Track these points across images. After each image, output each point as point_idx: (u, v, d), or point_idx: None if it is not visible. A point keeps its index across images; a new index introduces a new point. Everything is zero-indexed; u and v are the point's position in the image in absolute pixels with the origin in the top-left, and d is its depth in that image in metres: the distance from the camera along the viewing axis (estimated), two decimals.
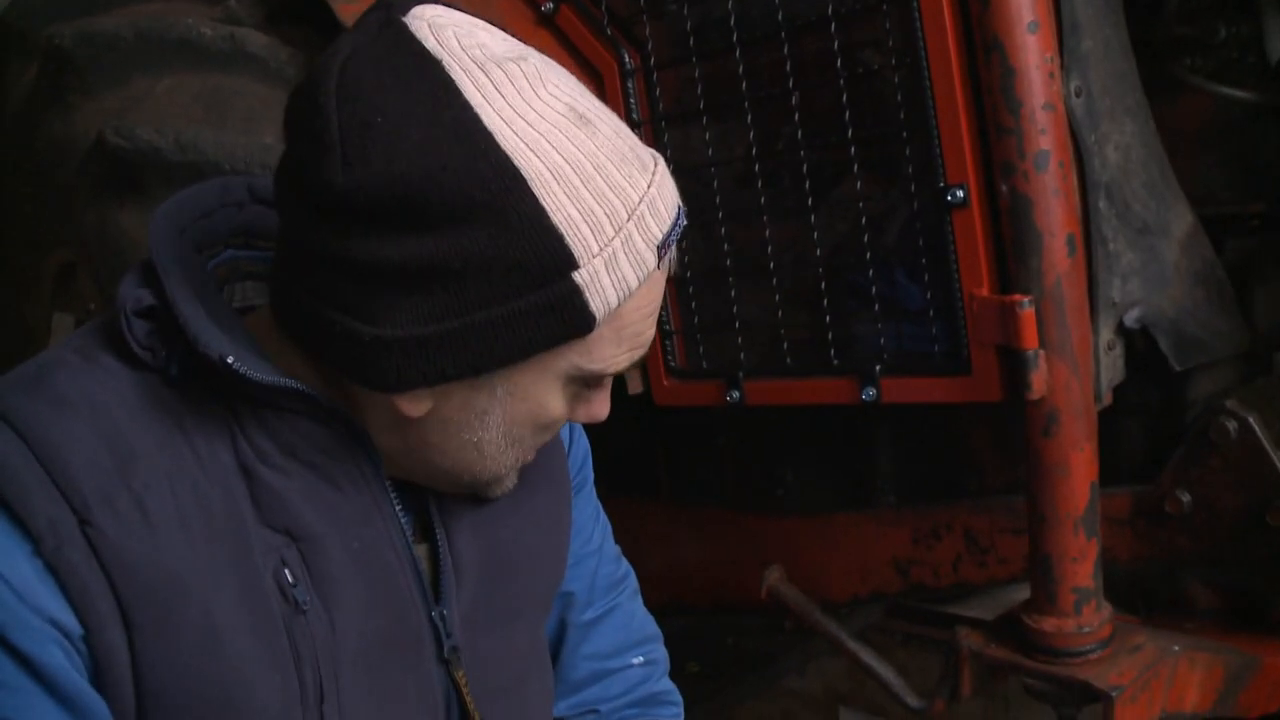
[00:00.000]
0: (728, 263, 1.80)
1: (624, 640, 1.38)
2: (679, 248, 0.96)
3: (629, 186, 0.91)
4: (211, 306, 0.97)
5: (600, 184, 0.89)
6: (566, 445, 1.27)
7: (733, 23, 1.69)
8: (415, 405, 0.95)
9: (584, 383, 0.99)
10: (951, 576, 1.97)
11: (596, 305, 0.90)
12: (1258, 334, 1.80)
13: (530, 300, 0.89)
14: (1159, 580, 1.86)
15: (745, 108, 1.72)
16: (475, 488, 1.06)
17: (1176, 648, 1.64)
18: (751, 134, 1.74)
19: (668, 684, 1.43)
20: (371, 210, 0.86)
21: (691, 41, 1.76)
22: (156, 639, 0.91)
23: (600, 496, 1.36)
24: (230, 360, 0.92)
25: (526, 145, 0.87)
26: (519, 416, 0.98)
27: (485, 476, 1.04)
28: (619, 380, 1.90)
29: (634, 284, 0.92)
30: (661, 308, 1.87)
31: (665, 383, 1.90)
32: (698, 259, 1.85)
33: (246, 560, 0.95)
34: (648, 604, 1.44)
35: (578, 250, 0.88)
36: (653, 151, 0.97)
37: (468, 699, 1.10)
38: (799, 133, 1.68)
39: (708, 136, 1.80)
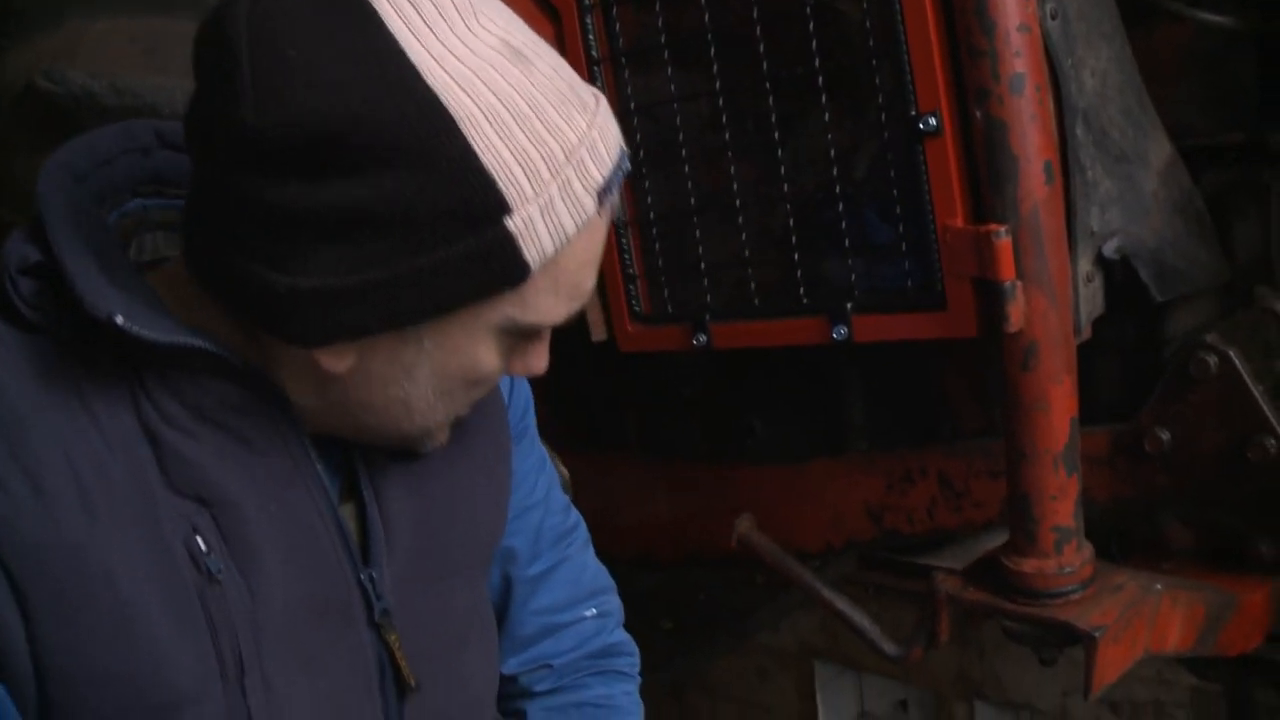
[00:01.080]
0: (691, 202, 1.74)
1: (574, 593, 1.34)
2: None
3: (567, 127, 0.85)
4: (107, 261, 0.91)
5: (536, 125, 0.84)
6: (506, 394, 1.21)
7: None
8: (337, 360, 0.90)
9: (519, 335, 0.94)
10: (926, 522, 1.93)
11: (531, 254, 0.85)
12: (1237, 266, 1.76)
13: (459, 248, 0.83)
14: (1136, 520, 1.83)
15: (709, 41, 1.66)
16: (405, 444, 1.01)
17: (1159, 586, 1.61)
18: (715, 69, 1.67)
19: (622, 635, 1.39)
20: (286, 152, 0.80)
21: None
22: (57, 618, 0.87)
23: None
24: (119, 320, 0.86)
25: (456, 82, 0.81)
26: (449, 371, 0.93)
27: (414, 433, 0.99)
28: (582, 327, 1.85)
29: (572, 231, 0.87)
30: (624, 251, 1.86)
31: (629, 328, 1.84)
32: (661, 200, 1.78)
33: (154, 530, 0.90)
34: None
35: (510, 195, 0.83)
36: (594, 90, 0.91)
37: (401, 663, 1.05)
38: (764, 65, 1.62)
39: (669, 73, 1.73)
